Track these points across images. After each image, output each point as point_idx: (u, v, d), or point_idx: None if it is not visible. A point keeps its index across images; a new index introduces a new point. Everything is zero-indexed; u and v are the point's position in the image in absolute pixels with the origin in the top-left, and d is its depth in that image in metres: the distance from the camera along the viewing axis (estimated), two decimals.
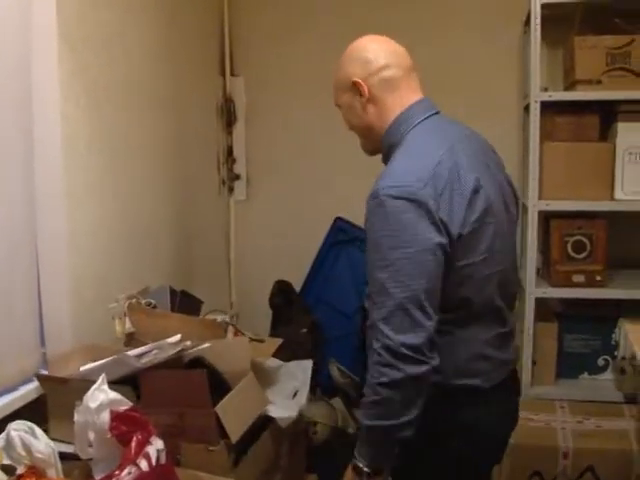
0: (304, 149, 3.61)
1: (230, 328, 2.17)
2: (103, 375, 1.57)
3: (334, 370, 3.27)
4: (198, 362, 2.01)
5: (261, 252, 3.67)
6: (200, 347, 1.98)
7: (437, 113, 1.71)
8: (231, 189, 3.68)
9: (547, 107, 2.94)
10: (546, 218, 3.06)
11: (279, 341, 2.27)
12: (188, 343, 1.99)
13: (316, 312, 3.44)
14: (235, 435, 1.78)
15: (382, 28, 1.76)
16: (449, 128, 1.69)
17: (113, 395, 1.54)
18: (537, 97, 2.90)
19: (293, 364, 2.38)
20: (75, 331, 2.14)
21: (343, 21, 3.38)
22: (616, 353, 3.12)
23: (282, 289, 3.17)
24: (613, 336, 3.12)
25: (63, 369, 1.97)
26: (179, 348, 1.93)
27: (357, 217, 3.32)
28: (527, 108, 3.04)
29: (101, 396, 1.53)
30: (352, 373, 3.25)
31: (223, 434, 1.78)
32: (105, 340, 2.18)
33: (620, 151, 2.93)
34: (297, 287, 3.52)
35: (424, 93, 1.74)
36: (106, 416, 1.52)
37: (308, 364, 2.36)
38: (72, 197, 2.17)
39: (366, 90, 1.67)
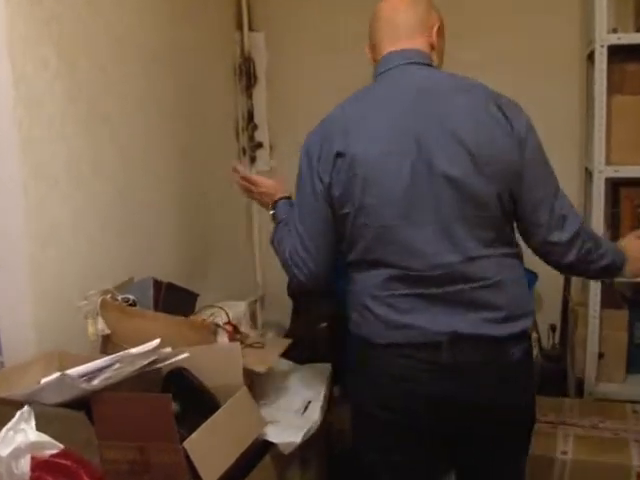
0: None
1: (221, 330, 1.78)
2: (25, 409, 1.20)
3: None
4: (179, 375, 1.65)
5: None
6: (178, 357, 1.60)
7: (412, 63, 1.70)
8: (253, 159, 3.27)
9: (616, 53, 2.45)
10: (615, 186, 2.57)
11: (285, 343, 1.89)
12: (167, 350, 1.62)
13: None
14: (211, 476, 1.39)
15: None
16: (400, 81, 1.70)
17: (35, 436, 1.18)
18: (604, 40, 2.42)
19: (307, 368, 2.01)
20: (44, 336, 1.81)
21: None
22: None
23: None
24: None
25: (15, 384, 1.62)
26: (149, 359, 1.55)
27: None
28: (591, 56, 2.56)
29: (18, 438, 1.16)
30: None
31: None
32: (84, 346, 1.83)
33: None
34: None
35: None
36: (26, 465, 1.15)
37: (325, 368, 1.98)
38: (37, 180, 1.80)
39: None
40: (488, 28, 2.92)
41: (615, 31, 2.46)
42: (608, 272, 1.77)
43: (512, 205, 1.63)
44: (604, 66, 2.42)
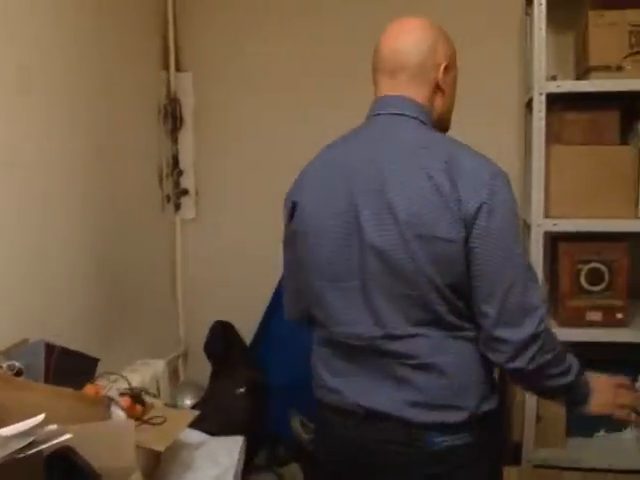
0: (263, 158, 3.03)
1: (114, 404, 1.56)
2: None
3: (296, 424, 2.71)
4: (63, 457, 1.43)
5: (214, 279, 3.08)
6: (61, 438, 1.38)
7: (395, 115, 1.54)
8: (177, 206, 3.08)
9: (555, 101, 2.35)
10: (554, 240, 2.45)
11: (190, 416, 1.67)
12: (47, 430, 1.40)
13: (279, 351, 2.87)
14: None
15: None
16: (365, 133, 1.57)
17: None
18: (542, 88, 2.31)
19: (218, 442, 1.79)
20: None
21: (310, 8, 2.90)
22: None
23: (222, 332, 2.57)
24: (637, 385, 2.51)
25: None
26: (26, 441, 1.33)
27: None
28: (530, 103, 2.45)
29: None
30: None
31: None
32: None
33: None
34: (258, 318, 2.95)
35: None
36: None
37: (236, 442, 1.77)
38: None
39: None
40: None
41: (554, 78, 2.37)
42: (563, 395, 1.56)
43: (452, 290, 1.44)
44: (543, 114, 2.32)
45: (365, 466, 1.55)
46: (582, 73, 2.41)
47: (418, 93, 1.53)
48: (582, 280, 2.38)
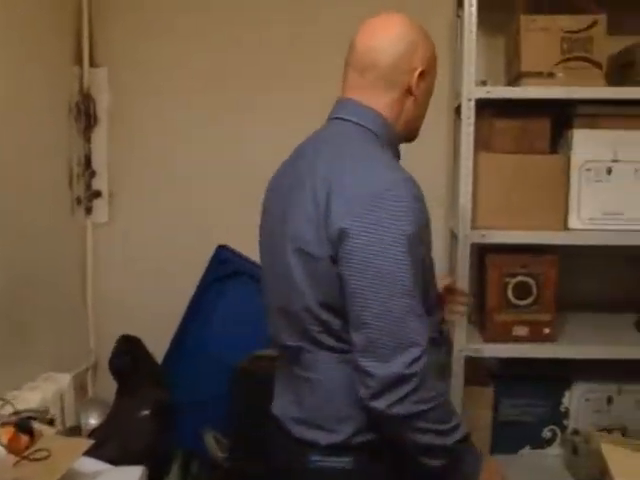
0: (182, 161, 2.86)
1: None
2: None
3: (210, 441, 2.57)
4: None
5: (128, 287, 2.89)
6: None
7: (335, 118, 1.52)
8: (89, 209, 2.88)
9: (484, 107, 2.25)
10: (481, 252, 2.36)
11: (82, 447, 1.50)
12: None
13: (193, 366, 2.73)
14: None
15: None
16: (312, 138, 1.55)
17: None
18: (471, 94, 2.20)
19: (115, 472, 1.63)
20: None
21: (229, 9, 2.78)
22: (566, 422, 2.45)
23: (127, 348, 2.40)
24: (563, 401, 2.45)
25: None
26: None
27: (244, 244, 2.71)
28: (459, 109, 2.36)
29: None
30: None
31: None
32: None
33: (576, 167, 2.28)
34: (173, 330, 2.79)
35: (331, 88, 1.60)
36: None
37: (135, 473, 1.61)
38: None
39: None
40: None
41: (484, 84, 2.28)
42: (442, 460, 1.38)
43: (327, 309, 1.39)
44: (471, 121, 2.21)
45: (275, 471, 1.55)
46: (513, 79, 2.32)
47: (383, 96, 1.47)
48: (509, 294, 2.29)
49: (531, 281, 2.29)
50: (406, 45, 1.46)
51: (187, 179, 2.85)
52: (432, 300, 1.50)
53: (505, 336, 2.28)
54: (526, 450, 2.47)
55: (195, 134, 2.84)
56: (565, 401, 2.45)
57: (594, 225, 2.28)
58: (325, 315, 1.38)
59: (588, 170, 2.27)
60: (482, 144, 2.30)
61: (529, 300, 2.29)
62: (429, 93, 1.55)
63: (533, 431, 2.46)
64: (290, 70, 2.79)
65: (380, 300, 1.30)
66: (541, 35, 2.19)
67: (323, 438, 1.43)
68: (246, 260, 2.73)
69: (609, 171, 2.27)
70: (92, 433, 2.28)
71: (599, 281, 2.60)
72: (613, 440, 1.56)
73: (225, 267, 2.77)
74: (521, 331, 2.30)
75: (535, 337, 2.29)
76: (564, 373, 2.44)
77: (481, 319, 2.38)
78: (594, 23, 2.17)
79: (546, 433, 2.46)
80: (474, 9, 2.19)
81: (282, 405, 1.54)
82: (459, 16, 2.50)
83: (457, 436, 1.37)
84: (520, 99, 2.23)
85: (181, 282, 2.80)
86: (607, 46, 2.21)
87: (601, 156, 2.27)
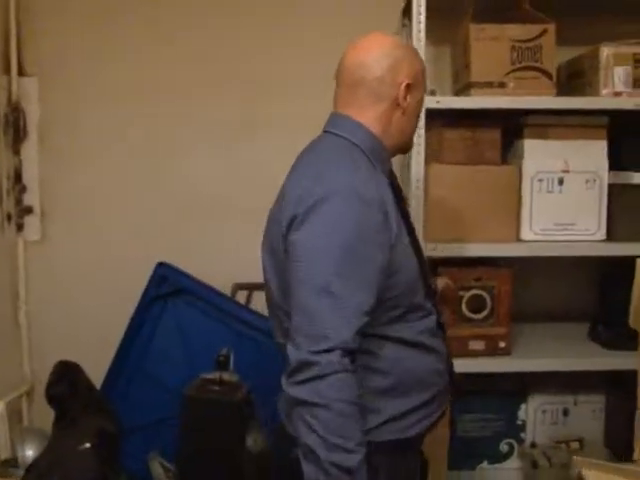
0: (118, 175, 2.74)
1: None
2: None
3: (156, 467, 2.46)
4: None
5: (64, 307, 2.74)
6: None
7: (325, 131, 1.59)
8: (20, 226, 2.73)
9: (433, 118, 2.20)
10: (433, 265, 2.31)
11: None
12: None
13: (136, 389, 2.62)
14: None
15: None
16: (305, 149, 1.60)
17: None
18: None
19: None
20: None
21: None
22: (523, 436, 2.43)
23: (65, 374, 2.26)
24: (519, 414, 2.42)
25: None
26: None
27: (185, 262, 2.61)
28: None
29: None
30: None
31: None
32: None
33: (527, 177, 2.25)
34: (112, 353, 2.65)
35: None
36: None
37: None
38: None
39: None
40: (297, 90, 2.65)
41: (433, 93, 2.22)
42: (309, 469, 1.34)
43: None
44: (422, 132, 2.16)
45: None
46: (462, 88, 2.28)
47: (371, 110, 1.52)
48: (464, 308, 2.25)
49: (485, 294, 2.25)
50: (392, 60, 1.51)
51: (123, 194, 2.74)
52: (419, 298, 1.54)
53: (461, 351, 2.23)
54: (484, 465, 2.44)
55: (131, 148, 2.72)
56: (521, 414, 2.42)
57: (546, 236, 2.25)
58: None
59: (540, 181, 2.25)
60: (432, 155, 2.25)
61: (484, 313, 2.25)
62: (418, 107, 1.59)
63: (490, 445, 2.43)
64: (227, 82, 2.70)
65: (299, 295, 1.37)
66: (490, 44, 2.15)
67: (291, 428, 1.46)
68: (188, 277, 2.63)
69: (560, 181, 2.25)
70: (31, 467, 2.15)
71: (552, 292, 2.58)
72: (591, 464, 1.50)
73: (166, 285, 2.65)
74: (477, 345, 2.26)
75: (491, 351, 2.25)
76: (520, 386, 2.42)
77: None
78: (543, 32, 2.14)
79: (503, 447, 2.43)
80: (423, 17, 2.14)
81: (281, 402, 1.56)
82: (405, 25, 2.45)
83: (340, 460, 1.30)
84: (471, 109, 2.19)
85: (120, 302, 2.66)
86: (556, 56, 2.18)
87: (552, 166, 2.25)
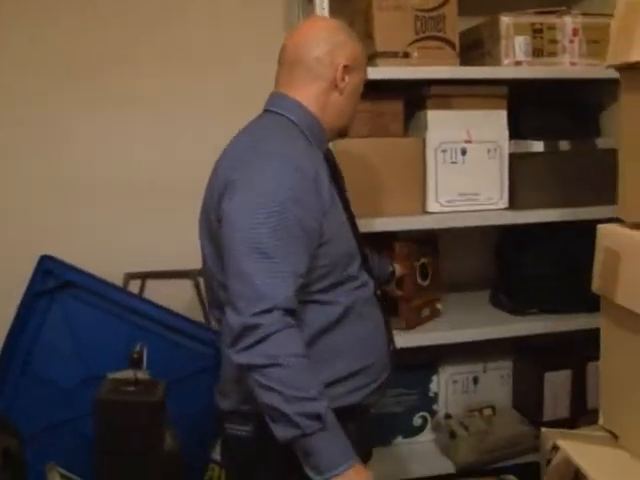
0: None
1: None
2: None
3: (55, 478, 2.26)
4: None
5: None
6: None
7: (265, 110, 1.63)
8: None
9: None
10: (388, 241, 2.24)
11: None
12: None
13: (24, 393, 2.41)
14: None
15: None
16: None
17: None
18: None
19: None
20: None
21: None
22: (435, 407, 2.43)
23: None
24: (431, 387, 2.43)
25: None
26: None
27: (71, 253, 2.42)
28: None
29: None
30: (78, 476, 2.31)
31: None
32: None
33: (431, 148, 2.23)
34: None
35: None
36: None
37: None
38: None
39: None
40: (186, 66, 2.53)
41: None
42: (280, 427, 1.38)
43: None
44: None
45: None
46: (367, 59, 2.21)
47: (309, 88, 1.56)
48: (418, 278, 2.27)
49: (427, 262, 2.31)
50: (331, 42, 1.56)
51: (1, 183, 2.49)
52: (353, 269, 1.57)
53: (416, 320, 2.25)
54: (399, 440, 2.42)
55: (9, 133, 2.48)
56: (433, 386, 2.42)
57: (452, 207, 2.25)
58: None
59: (443, 151, 2.23)
60: None
61: (427, 281, 2.30)
62: (356, 91, 1.63)
63: (404, 420, 2.41)
64: (107, 65, 2.53)
65: (234, 260, 1.39)
66: (394, 14, 2.10)
67: (223, 404, 1.57)
68: (75, 269, 2.43)
69: (463, 152, 2.25)
70: None
71: (458, 262, 2.59)
72: (561, 434, 1.50)
73: (51, 279, 2.43)
74: (426, 312, 2.31)
75: (434, 314, 2.34)
76: (431, 358, 2.42)
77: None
78: (446, 1, 2.11)
79: (417, 420, 2.42)
80: None
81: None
82: None
83: (305, 408, 1.35)
84: (376, 80, 2.13)
85: (1, 299, 2.44)
86: (458, 25, 2.16)
87: (455, 137, 2.23)
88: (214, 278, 1.55)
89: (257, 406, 1.40)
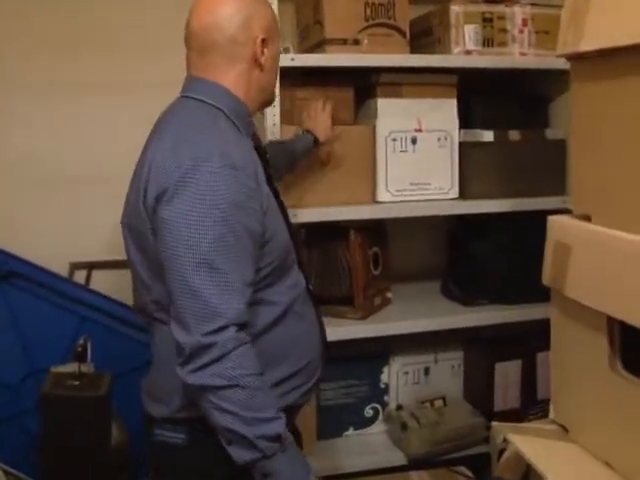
0: None
1: None
2: None
3: None
4: None
5: None
6: None
7: (183, 97, 1.50)
8: None
9: (284, 77, 2.08)
10: (344, 231, 2.22)
11: None
12: None
13: None
14: None
15: None
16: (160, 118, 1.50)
17: None
18: None
19: None
20: None
21: None
22: (387, 399, 2.41)
23: None
24: (382, 378, 2.41)
25: None
26: None
27: (14, 242, 2.35)
28: None
29: None
30: (24, 473, 2.24)
31: None
32: None
33: (381, 137, 2.21)
34: None
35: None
36: None
37: None
38: None
39: None
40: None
41: (287, 51, 2.10)
42: (242, 452, 1.32)
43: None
44: (277, 91, 2.03)
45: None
46: (315, 46, 2.18)
47: (229, 72, 1.45)
48: (371, 268, 2.26)
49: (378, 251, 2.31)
50: (242, 17, 1.43)
51: None
52: (290, 262, 1.52)
53: (370, 309, 2.25)
54: (350, 432, 2.40)
55: None
56: (384, 377, 2.40)
57: (402, 196, 2.23)
58: (155, 287, 1.41)
59: (394, 140, 2.22)
60: (284, 116, 2.14)
61: (379, 270, 2.30)
62: (275, 58, 1.53)
63: (355, 412, 2.39)
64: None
65: (181, 274, 1.29)
66: (344, 1, 2.07)
67: (156, 410, 1.47)
68: (17, 259, 2.37)
69: (414, 141, 2.23)
70: None
71: (408, 252, 2.58)
72: (512, 428, 1.49)
73: None
74: (378, 300, 2.29)
75: (385, 303, 2.34)
76: (381, 349, 2.40)
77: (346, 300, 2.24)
78: None
79: (368, 412, 2.40)
80: None
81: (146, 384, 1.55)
82: None
83: (265, 431, 1.30)
84: (325, 67, 2.11)
85: None
86: (409, 13, 2.15)
87: (405, 126, 2.22)
88: (145, 286, 1.46)
89: (193, 413, 1.36)
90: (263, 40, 1.45)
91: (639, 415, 1.27)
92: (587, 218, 1.44)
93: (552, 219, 1.54)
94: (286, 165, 1.96)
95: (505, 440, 1.46)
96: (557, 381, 1.59)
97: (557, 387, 1.59)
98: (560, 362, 1.57)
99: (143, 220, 1.37)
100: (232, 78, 1.45)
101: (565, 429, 1.53)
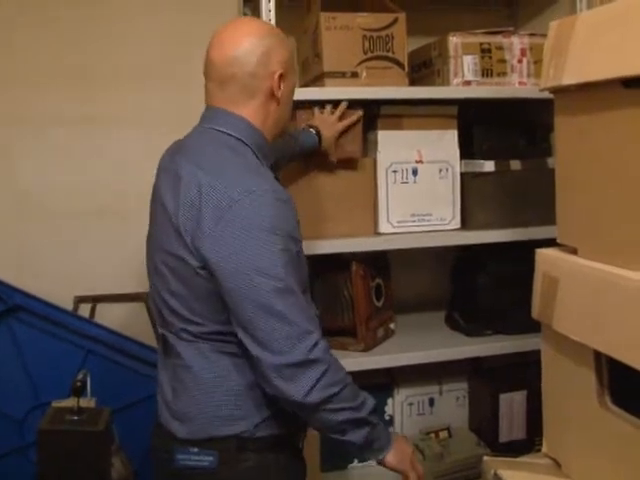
0: None
1: None
2: None
3: None
4: None
5: None
6: None
7: (207, 128, 1.53)
8: None
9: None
10: (346, 262, 2.22)
11: None
12: None
13: None
14: None
15: None
16: (181, 144, 1.57)
17: None
18: None
19: None
20: None
21: None
22: (391, 430, 2.39)
23: None
24: (386, 409, 2.40)
25: None
26: None
27: (19, 276, 2.38)
28: None
29: None
30: None
31: None
32: None
33: (382, 168, 2.22)
34: None
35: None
36: None
37: None
38: None
39: None
40: (127, 88, 2.53)
41: None
42: (355, 434, 1.47)
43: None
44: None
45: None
46: (315, 79, 2.19)
47: (247, 105, 1.49)
48: (374, 299, 2.26)
49: (381, 282, 2.31)
50: (261, 52, 1.47)
51: None
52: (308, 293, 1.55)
53: (372, 342, 2.24)
54: (355, 464, 2.38)
55: None
56: (388, 409, 2.39)
57: (404, 228, 2.23)
58: (185, 311, 1.46)
59: (394, 172, 2.22)
60: None
61: (382, 301, 2.30)
62: (292, 91, 1.59)
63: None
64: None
65: (262, 302, 1.35)
66: (342, 34, 2.08)
67: (180, 431, 1.49)
68: (22, 293, 2.38)
69: (414, 172, 2.24)
70: None
71: (411, 283, 2.58)
72: (503, 463, 1.47)
73: None
74: (380, 332, 2.29)
75: (387, 335, 2.33)
76: (386, 380, 2.39)
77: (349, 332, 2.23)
78: (394, 21, 2.10)
79: None
80: (272, 5, 2.03)
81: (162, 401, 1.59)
82: (246, 14, 2.34)
83: (369, 406, 1.49)
84: (324, 100, 2.12)
85: None
86: (407, 45, 2.16)
87: (406, 157, 2.22)
88: (164, 301, 1.50)
89: (229, 431, 1.45)
90: (281, 75, 1.50)
91: (628, 449, 1.25)
92: (574, 251, 1.43)
93: (540, 251, 1.53)
94: (282, 158, 1.95)
95: (496, 475, 1.44)
96: (548, 414, 1.58)
97: (549, 421, 1.58)
98: (551, 395, 1.56)
99: (181, 245, 1.41)
100: (251, 110, 1.50)
101: (558, 463, 1.51)
